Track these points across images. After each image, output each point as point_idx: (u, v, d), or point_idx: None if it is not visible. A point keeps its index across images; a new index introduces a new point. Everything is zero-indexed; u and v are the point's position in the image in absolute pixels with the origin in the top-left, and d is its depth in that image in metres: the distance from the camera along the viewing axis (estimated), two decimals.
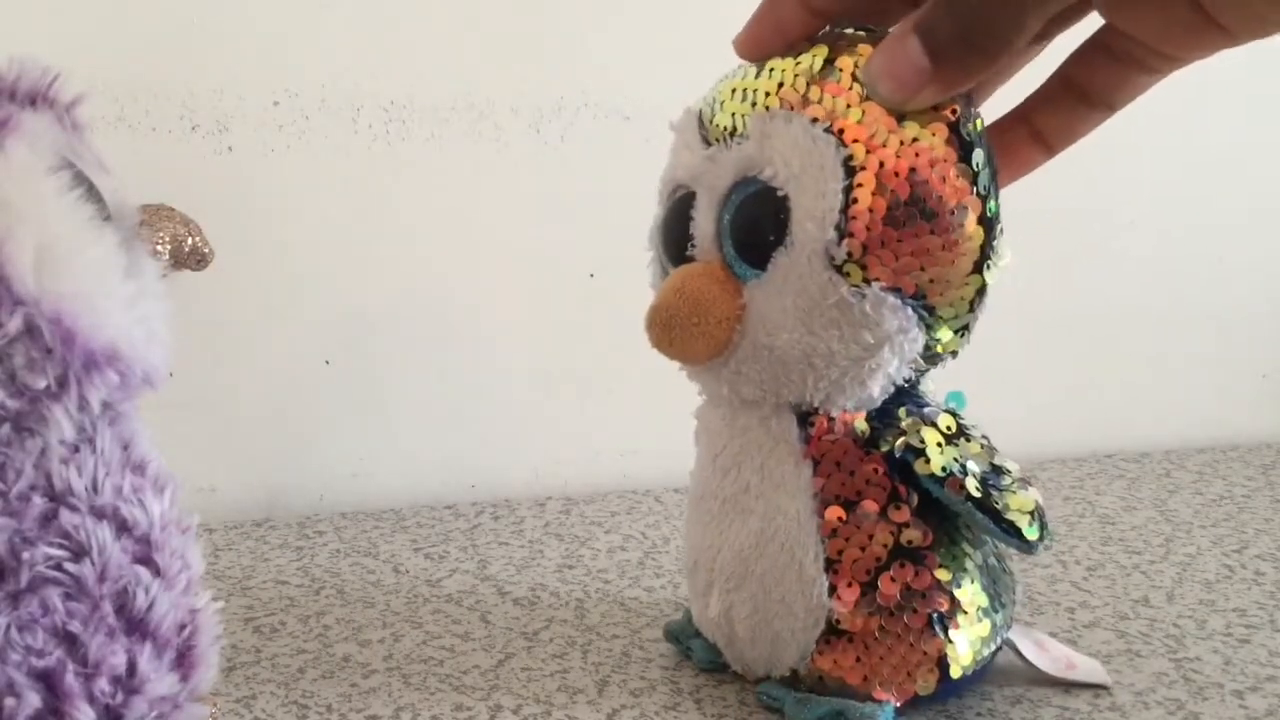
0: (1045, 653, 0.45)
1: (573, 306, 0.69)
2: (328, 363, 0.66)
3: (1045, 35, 0.36)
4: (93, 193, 0.30)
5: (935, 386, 0.42)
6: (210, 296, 0.61)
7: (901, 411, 0.40)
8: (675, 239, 0.41)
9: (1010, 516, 0.38)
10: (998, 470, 0.39)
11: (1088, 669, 0.44)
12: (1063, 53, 0.37)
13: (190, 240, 0.40)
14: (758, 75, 0.38)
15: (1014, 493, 0.39)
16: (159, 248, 0.39)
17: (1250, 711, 0.42)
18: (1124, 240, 0.79)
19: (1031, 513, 0.38)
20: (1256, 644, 0.48)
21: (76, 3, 0.59)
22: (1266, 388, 0.84)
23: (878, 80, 0.35)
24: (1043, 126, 0.38)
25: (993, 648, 0.41)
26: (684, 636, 0.46)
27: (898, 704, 0.40)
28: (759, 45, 0.38)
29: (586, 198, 0.68)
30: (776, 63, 0.38)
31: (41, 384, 0.28)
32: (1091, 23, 0.35)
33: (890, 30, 0.35)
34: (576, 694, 0.44)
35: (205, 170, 0.62)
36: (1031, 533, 0.38)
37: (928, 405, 0.41)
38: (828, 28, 0.38)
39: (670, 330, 0.39)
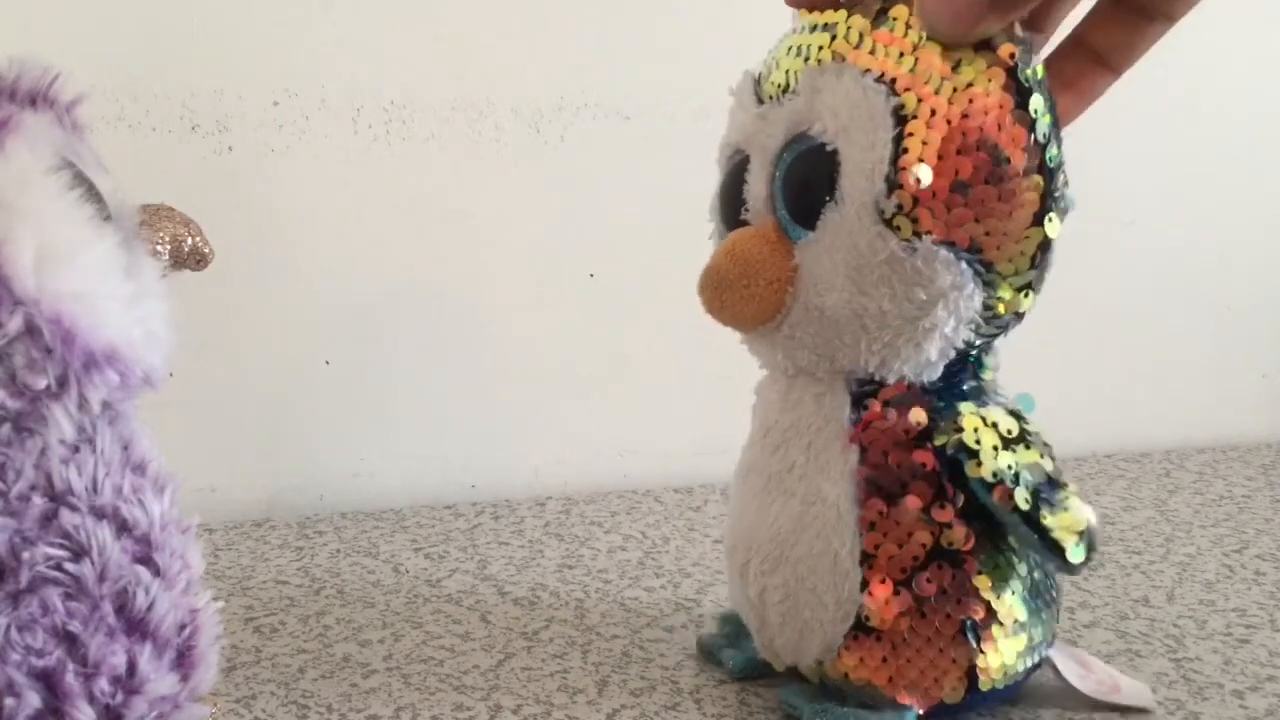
0: (1089, 674, 0.43)
1: (573, 306, 0.69)
2: (328, 363, 0.66)
3: None
4: (93, 193, 0.30)
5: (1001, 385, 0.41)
6: (210, 296, 0.61)
7: (964, 406, 0.38)
8: (730, 203, 0.40)
9: (1056, 535, 0.36)
10: (1054, 484, 0.37)
11: (1132, 692, 0.42)
12: None
13: (190, 240, 0.40)
14: (813, 31, 0.37)
15: (1066, 510, 0.36)
16: (159, 248, 0.39)
17: (1250, 711, 0.42)
18: (1124, 239, 0.79)
19: (1081, 533, 0.36)
20: (1256, 644, 0.48)
21: (76, 3, 0.59)
22: (1266, 388, 0.84)
23: (934, 14, 0.33)
24: (1101, 46, 0.36)
25: (1029, 664, 0.40)
26: (715, 648, 0.46)
27: (920, 710, 0.39)
28: None
29: (586, 198, 0.68)
30: (832, 16, 0.36)
31: (41, 384, 0.28)
32: None
33: None
34: (576, 694, 0.44)
35: (205, 170, 0.62)
36: (1076, 555, 0.36)
37: (995, 403, 0.39)
38: None
39: (721, 293, 0.38)
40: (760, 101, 0.39)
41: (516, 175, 0.67)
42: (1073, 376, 0.79)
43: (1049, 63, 0.36)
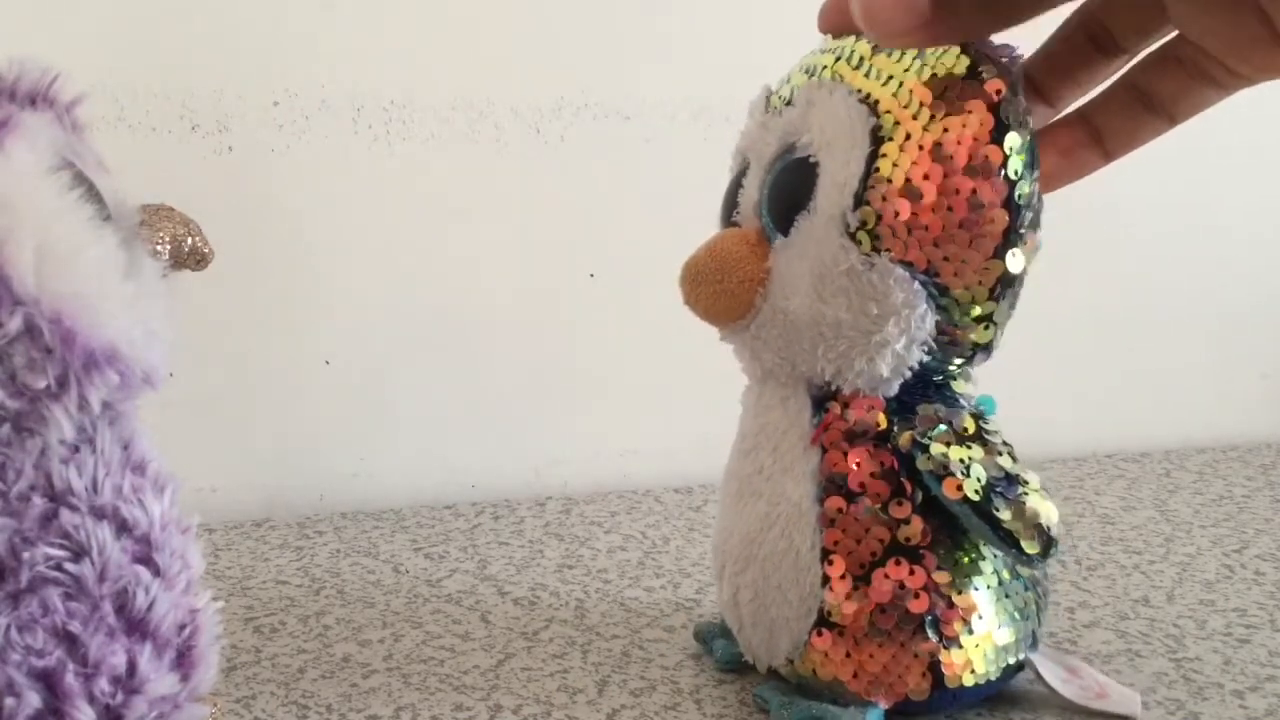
0: (1076, 678, 0.43)
1: (573, 306, 0.69)
2: (328, 363, 0.66)
3: (1126, 49, 0.36)
4: (93, 193, 0.30)
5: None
6: (210, 296, 0.61)
7: (922, 408, 0.39)
8: (728, 205, 0.42)
9: (1009, 526, 0.37)
10: (1012, 479, 0.38)
11: (1120, 698, 0.42)
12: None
13: (190, 240, 0.40)
14: (824, 51, 0.39)
15: (1022, 504, 0.37)
16: (159, 248, 0.39)
17: (1250, 711, 0.42)
18: (1124, 239, 0.79)
19: (1037, 526, 0.37)
20: (1256, 644, 0.48)
21: (76, 3, 0.59)
22: (1266, 388, 0.84)
23: (862, 13, 0.33)
24: (1103, 128, 0.37)
25: (1004, 663, 0.40)
26: (709, 636, 0.47)
27: (885, 705, 0.39)
28: (841, 15, 0.37)
29: (586, 198, 0.68)
30: (848, 40, 0.38)
31: (41, 384, 0.28)
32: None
33: None
34: (576, 694, 0.44)
35: (205, 170, 0.62)
36: (1031, 546, 0.37)
37: (957, 406, 0.40)
38: None
39: (696, 286, 0.40)
40: (766, 111, 0.41)
41: (516, 175, 0.67)
42: (1073, 376, 0.79)
43: (1049, 128, 0.37)
